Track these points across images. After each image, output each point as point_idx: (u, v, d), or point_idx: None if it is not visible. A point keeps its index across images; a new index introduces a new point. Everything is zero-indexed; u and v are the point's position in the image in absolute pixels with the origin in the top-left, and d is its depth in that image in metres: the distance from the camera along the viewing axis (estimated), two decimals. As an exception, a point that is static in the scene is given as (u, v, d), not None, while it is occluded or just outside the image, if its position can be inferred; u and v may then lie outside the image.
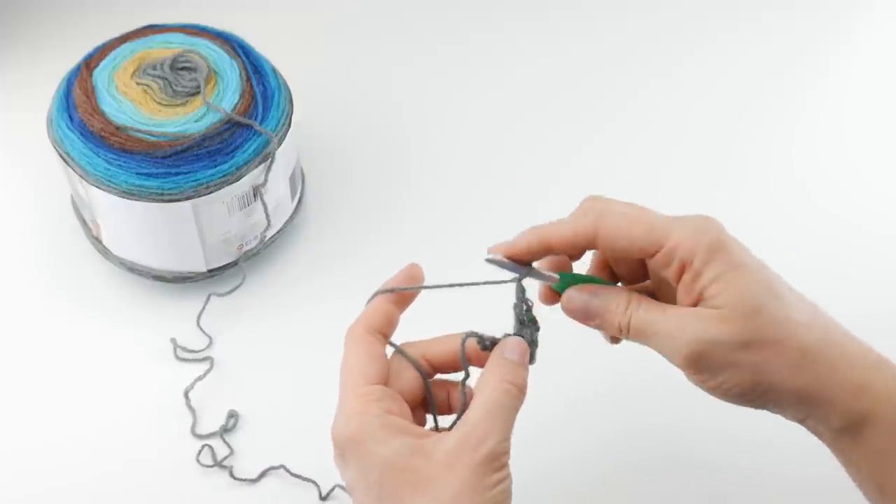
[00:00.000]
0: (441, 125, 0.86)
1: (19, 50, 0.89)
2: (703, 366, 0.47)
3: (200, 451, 0.66)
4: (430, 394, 0.52)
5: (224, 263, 0.73)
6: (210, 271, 0.73)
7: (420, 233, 0.78)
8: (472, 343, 0.51)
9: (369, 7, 0.94)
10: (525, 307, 0.52)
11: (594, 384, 0.69)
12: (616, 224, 0.49)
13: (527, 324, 0.52)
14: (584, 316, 0.51)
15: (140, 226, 0.69)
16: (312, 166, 0.81)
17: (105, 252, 0.73)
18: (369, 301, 0.53)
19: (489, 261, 0.52)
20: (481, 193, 0.81)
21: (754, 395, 0.48)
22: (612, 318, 0.50)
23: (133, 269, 0.73)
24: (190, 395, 0.68)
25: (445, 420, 0.52)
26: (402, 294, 0.52)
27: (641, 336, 0.50)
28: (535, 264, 0.52)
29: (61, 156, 0.69)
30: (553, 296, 0.53)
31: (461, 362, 0.51)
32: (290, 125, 0.71)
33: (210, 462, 0.66)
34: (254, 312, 0.73)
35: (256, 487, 0.65)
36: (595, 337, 0.55)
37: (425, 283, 0.53)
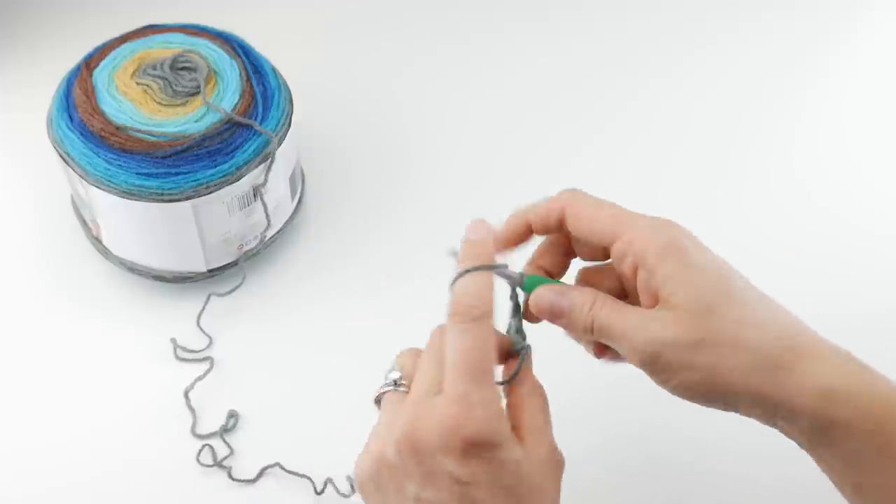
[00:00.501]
0: (441, 125, 0.86)
1: (19, 50, 0.89)
2: (659, 367, 0.48)
3: (200, 451, 0.66)
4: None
5: (224, 263, 0.73)
6: (210, 271, 0.73)
7: (420, 233, 0.78)
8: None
9: (369, 7, 0.94)
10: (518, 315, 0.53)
11: (583, 387, 0.69)
12: (582, 207, 0.51)
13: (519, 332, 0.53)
14: (552, 314, 0.51)
15: (140, 226, 0.69)
16: (312, 166, 0.81)
17: (105, 252, 0.73)
18: (459, 277, 0.50)
19: (453, 253, 0.52)
20: (481, 193, 0.81)
21: (714, 395, 0.48)
22: (577, 318, 0.50)
23: (133, 269, 0.73)
24: (190, 395, 0.68)
25: None
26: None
27: (605, 336, 0.50)
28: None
29: (61, 156, 0.69)
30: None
31: (514, 345, 0.51)
32: (290, 125, 0.71)
33: (210, 462, 0.66)
34: (254, 312, 0.73)
35: (255, 487, 0.65)
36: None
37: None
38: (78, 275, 0.75)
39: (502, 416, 0.46)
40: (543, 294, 0.52)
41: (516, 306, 0.53)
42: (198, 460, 0.66)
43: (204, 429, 0.67)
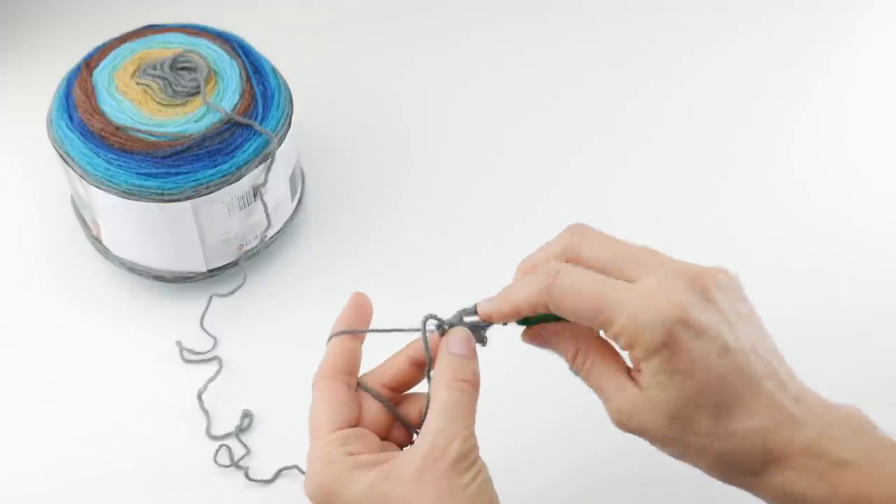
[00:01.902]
0: (441, 125, 0.86)
1: (19, 50, 0.89)
2: (630, 432, 0.50)
3: (217, 452, 0.66)
4: (400, 418, 0.52)
5: (224, 263, 0.73)
6: (210, 271, 0.73)
7: (420, 233, 0.78)
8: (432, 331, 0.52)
9: (369, 7, 0.94)
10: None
11: (588, 395, 0.69)
12: (563, 298, 0.48)
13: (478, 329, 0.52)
14: (543, 346, 0.53)
15: (140, 226, 0.69)
16: (312, 166, 0.81)
17: (105, 252, 0.73)
18: (328, 341, 0.53)
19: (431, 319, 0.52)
20: (481, 193, 0.81)
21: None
22: (566, 357, 0.52)
23: (133, 269, 0.73)
24: (201, 396, 0.68)
25: None
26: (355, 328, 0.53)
27: (587, 383, 0.51)
28: None
29: (61, 156, 0.69)
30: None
31: (424, 351, 0.51)
32: (290, 125, 0.71)
33: (227, 462, 0.66)
34: (255, 312, 0.73)
35: (272, 487, 0.65)
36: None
37: (370, 316, 0.54)
38: (78, 275, 0.75)
39: (329, 459, 0.48)
40: (531, 341, 0.52)
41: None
42: (215, 461, 0.66)
43: (217, 430, 0.67)
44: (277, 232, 0.75)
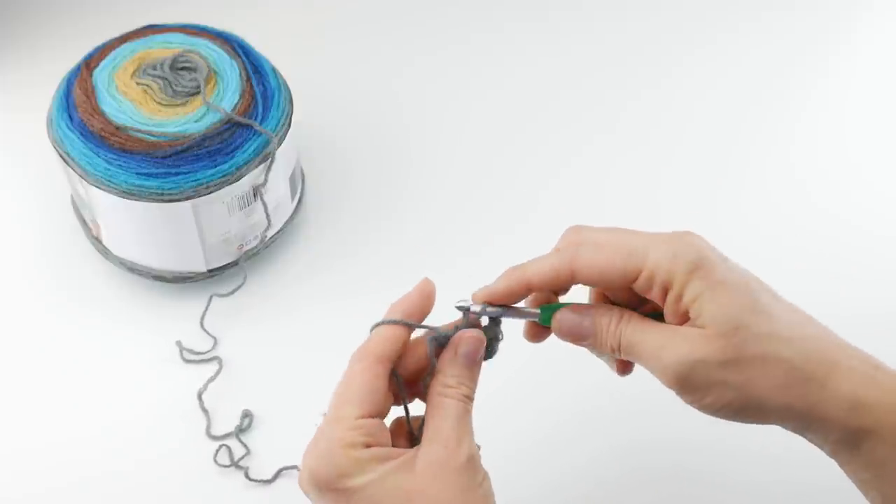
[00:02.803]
0: (441, 125, 0.86)
1: (19, 50, 0.89)
2: (690, 386, 0.47)
3: (217, 452, 0.66)
4: (408, 413, 0.52)
5: (224, 263, 0.73)
6: (210, 271, 0.73)
7: (420, 232, 0.78)
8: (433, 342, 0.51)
9: (369, 7, 0.94)
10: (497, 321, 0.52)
11: (594, 397, 0.69)
12: (592, 256, 0.49)
13: (493, 337, 0.52)
14: (576, 336, 0.51)
15: (140, 226, 0.69)
16: (312, 166, 0.81)
17: (105, 252, 0.73)
18: (376, 326, 0.51)
19: (459, 308, 0.52)
20: (481, 193, 0.81)
21: (745, 412, 0.48)
22: (603, 337, 0.50)
23: (133, 269, 0.73)
24: (201, 396, 0.68)
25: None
26: (410, 317, 0.51)
27: (633, 355, 0.50)
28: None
29: (61, 156, 0.69)
30: (537, 332, 0.53)
31: (430, 361, 0.51)
32: (290, 125, 0.71)
33: (227, 462, 0.66)
34: (255, 312, 0.73)
35: (272, 487, 0.65)
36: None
37: (431, 307, 0.52)
38: (78, 275, 0.75)
39: (347, 446, 0.47)
40: (565, 318, 0.51)
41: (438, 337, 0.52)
42: (215, 461, 0.66)
43: (217, 430, 0.67)
44: (277, 232, 0.75)
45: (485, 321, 0.52)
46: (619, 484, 0.66)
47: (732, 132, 0.86)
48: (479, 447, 0.50)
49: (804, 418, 0.47)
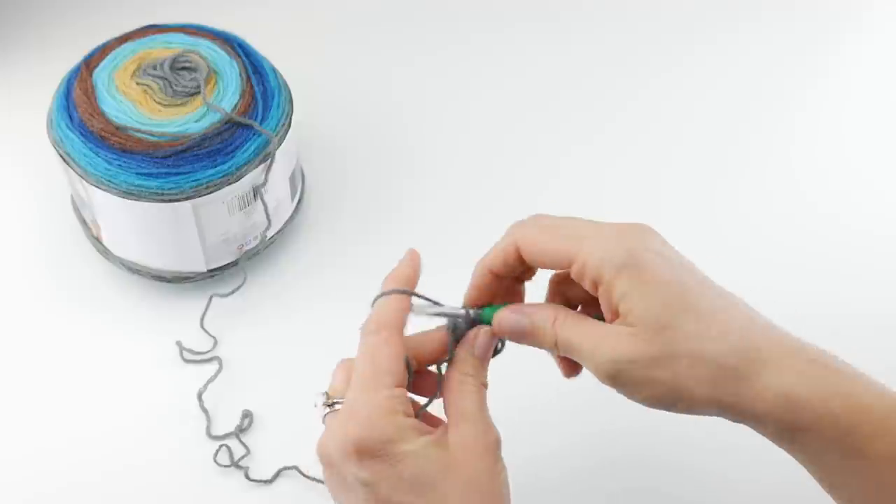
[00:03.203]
0: (441, 125, 0.86)
1: (19, 50, 0.89)
2: (621, 382, 0.48)
3: (217, 452, 0.66)
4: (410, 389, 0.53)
5: (224, 263, 0.73)
6: (210, 271, 0.73)
7: (420, 232, 0.78)
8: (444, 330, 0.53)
9: (369, 7, 0.94)
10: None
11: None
12: (531, 236, 0.51)
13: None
14: (517, 335, 0.52)
15: (140, 226, 0.69)
16: (312, 166, 0.81)
17: (105, 252, 0.73)
18: (377, 299, 0.52)
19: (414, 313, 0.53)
20: (481, 193, 0.81)
21: (678, 406, 0.48)
22: (541, 336, 0.51)
23: (133, 269, 0.73)
24: (201, 396, 0.68)
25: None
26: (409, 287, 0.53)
27: (569, 352, 0.50)
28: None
29: (61, 156, 0.69)
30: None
31: (449, 349, 0.52)
32: (290, 125, 0.71)
33: (227, 462, 0.66)
34: (255, 312, 0.73)
35: (272, 487, 0.65)
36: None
37: (419, 276, 0.54)
38: (78, 275, 0.75)
39: (390, 412, 0.48)
40: (505, 316, 0.52)
41: (459, 325, 0.53)
42: (215, 461, 0.66)
43: (217, 430, 0.67)
44: (277, 232, 0.75)
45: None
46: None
47: (732, 132, 0.86)
48: None
49: (736, 413, 0.48)
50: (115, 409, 0.69)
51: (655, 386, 0.48)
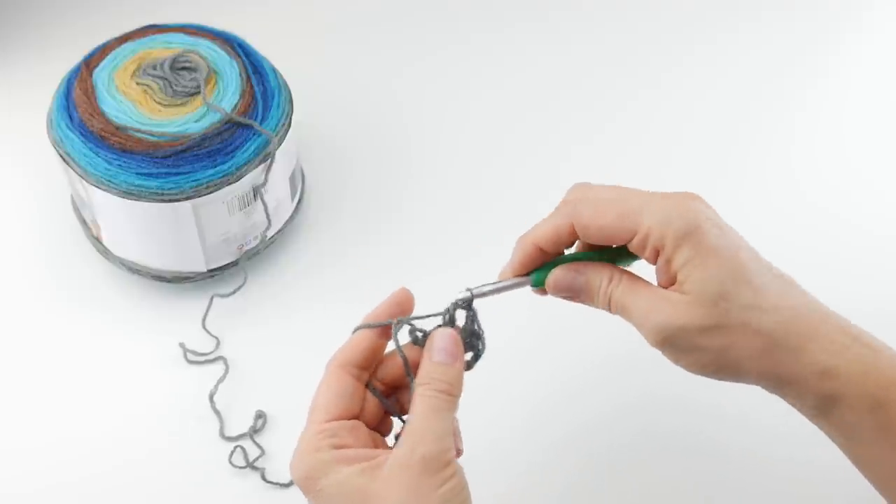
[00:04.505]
0: (441, 125, 0.86)
1: (19, 50, 0.89)
2: (672, 347, 0.50)
3: (233, 453, 0.66)
4: (392, 411, 0.53)
5: (224, 263, 0.73)
6: (210, 271, 0.73)
7: (420, 232, 0.78)
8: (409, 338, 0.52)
9: (369, 8, 0.94)
10: (474, 324, 0.53)
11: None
12: (589, 214, 0.51)
13: (472, 333, 0.52)
14: (570, 293, 0.53)
15: (140, 226, 0.69)
16: (312, 166, 0.81)
17: (105, 252, 0.73)
18: (354, 331, 0.53)
19: (461, 299, 0.52)
20: (481, 193, 0.81)
21: (723, 373, 0.50)
22: (595, 294, 0.52)
23: (133, 269, 0.73)
24: (205, 397, 0.68)
25: None
26: (387, 325, 0.52)
27: (622, 313, 0.52)
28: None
29: (61, 156, 0.69)
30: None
31: (397, 351, 0.51)
32: (290, 125, 0.71)
33: (243, 464, 0.66)
34: (256, 312, 0.73)
35: (289, 488, 0.65)
36: (582, 315, 0.56)
37: (408, 313, 0.53)
38: (78, 275, 0.75)
39: (314, 448, 0.49)
40: (559, 276, 0.53)
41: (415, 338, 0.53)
42: (230, 462, 0.66)
43: (230, 431, 0.67)
44: (277, 232, 0.75)
45: (461, 321, 0.52)
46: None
47: (732, 132, 0.86)
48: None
49: (779, 383, 0.50)
50: (116, 409, 0.69)
51: (706, 353, 0.49)
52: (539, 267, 0.53)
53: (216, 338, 0.71)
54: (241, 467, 0.66)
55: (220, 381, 0.69)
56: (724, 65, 0.91)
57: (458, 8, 0.94)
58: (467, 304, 0.52)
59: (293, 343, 0.71)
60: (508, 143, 0.84)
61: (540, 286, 0.53)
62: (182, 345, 0.71)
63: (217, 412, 0.68)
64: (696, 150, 0.85)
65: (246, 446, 0.67)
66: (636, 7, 0.95)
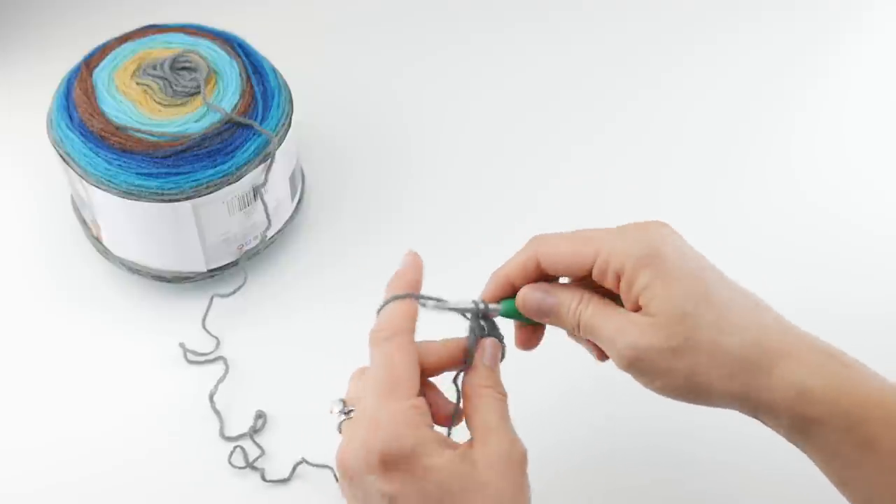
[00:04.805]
0: (441, 125, 0.86)
1: (19, 50, 0.89)
2: (640, 370, 0.49)
3: (232, 453, 0.66)
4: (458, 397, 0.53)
5: (224, 263, 0.73)
6: (210, 271, 0.73)
7: (420, 232, 0.78)
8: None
9: (369, 8, 0.94)
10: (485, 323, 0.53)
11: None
12: (552, 245, 0.52)
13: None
14: (539, 313, 0.53)
15: (140, 226, 0.69)
16: (312, 166, 0.81)
17: (105, 252, 0.73)
18: (384, 305, 0.51)
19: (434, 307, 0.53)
20: (481, 193, 0.81)
21: (694, 396, 0.49)
22: (564, 316, 0.52)
23: (133, 269, 0.73)
24: (205, 397, 0.68)
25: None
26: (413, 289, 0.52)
27: (591, 335, 0.51)
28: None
29: (61, 156, 0.69)
30: (527, 337, 0.56)
31: (468, 354, 0.52)
32: (290, 125, 0.71)
33: (242, 464, 0.66)
34: (256, 312, 0.73)
35: (288, 487, 0.65)
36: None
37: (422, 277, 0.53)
38: (78, 275, 0.75)
39: (415, 424, 0.47)
40: (529, 293, 0.53)
41: (478, 328, 0.53)
42: (230, 462, 0.66)
43: (230, 431, 0.67)
44: (277, 232, 0.75)
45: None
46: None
47: (732, 132, 0.86)
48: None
49: (751, 405, 0.49)
50: (116, 409, 0.69)
51: (673, 376, 0.48)
52: (509, 298, 0.54)
53: (216, 338, 0.71)
54: (240, 467, 0.66)
55: (220, 381, 0.69)
56: (724, 65, 0.91)
57: (458, 8, 0.94)
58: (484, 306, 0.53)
59: (293, 343, 0.71)
60: (508, 143, 0.84)
61: (508, 315, 0.54)
62: (182, 345, 0.71)
63: (217, 412, 0.68)
64: (696, 150, 0.85)
65: (246, 446, 0.67)
66: (636, 7, 0.95)
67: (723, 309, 0.48)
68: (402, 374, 0.48)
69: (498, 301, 0.54)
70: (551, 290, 0.52)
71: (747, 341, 0.48)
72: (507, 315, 0.54)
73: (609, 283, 0.50)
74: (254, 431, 0.67)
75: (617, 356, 0.50)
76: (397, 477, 0.46)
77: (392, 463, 0.46)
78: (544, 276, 0.53)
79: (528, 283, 0.53)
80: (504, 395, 0.51)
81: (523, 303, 0.53)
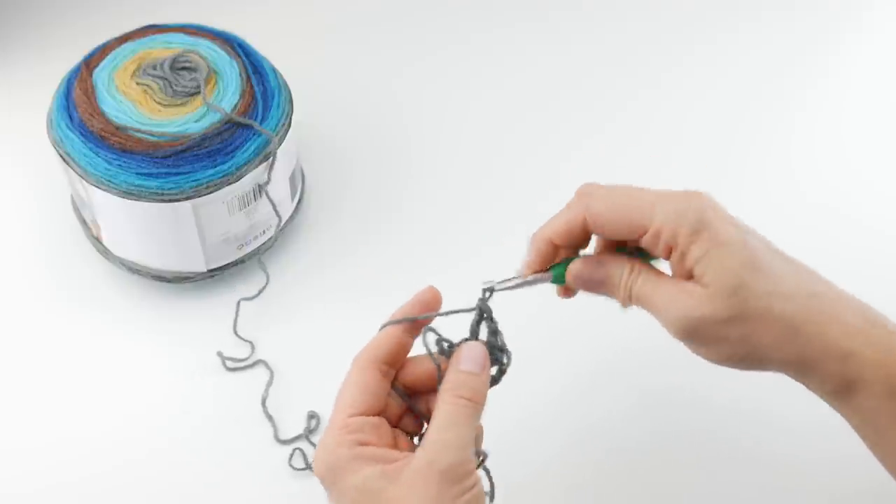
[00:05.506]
0: (441, 125, 0.86)
1: (19, 50, 0.89)
2: (695, 339, 0.50)
3: (292, 456, 0.66)
4: (419, 413, 0.53)
5: (225, 263, 0.73)
6: (210, 271, 0.73)
7: (420, 232, 0.78)
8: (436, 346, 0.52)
9: (369, 7, 0.94)
10: (494, 331, 0.52)
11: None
12: (601, 208, 0.52)
13: (496, 347, 0.52)
14: (590, 285, 0.54)
15: (140, 226, 0.69)
16: (312, 166, 0.81)
17: (105, 252, 0.73)
18: (382, 328, 0.52)
19: (485, 289, 0.53)
20: (481, 193, 0.81)
21: (747, 363, 0.51)
22: (615, 286, 0.53)
23: (133, 269, 0.73)
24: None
25: None
26: (414, 322, 0.52)
27: (642, 305, 0.52)
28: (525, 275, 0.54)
29: (61, 156, 0.69)
30: (569, 290, 0.56)
31: (428, 358, 0.51)
32: (290, 125, 0.71)
33: (302, 465, 0.65)
34: (255, 312, 0.73)
35: None
36: (594, 310, 0.57)
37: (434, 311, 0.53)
38: (78, 275, 0.75)
39: (338, 443, 0.48)
40: (579, 267, 0.53)
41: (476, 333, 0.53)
42: (290, 465, 0.65)
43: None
44: (277, 232, 0.75)
45: (484, 336, 0.52)
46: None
47: (732, 132, 0.86)
48: (483, 455, 0.50)
49: (801, 369, 0.50)
50: (115, 409, 0.69)
51: (729, 344, 0.50)
52: (557, 263, 0.54)
53: (250, 342, 0.71)
54: (300, 469, 0.65)
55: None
56: (724, 65, 0.91)
57: (458, 8, 0.94)
58: (490, 293, 0.53)
59: (293, 343, 0.71)
60: (508, 143, 0.84)
61: (559, 282, 0.54)
62: (220, 353, 0.70)
63: (269, 416, 0.68)
64: (696, 149, 0.85)
65: (301, 447, 0.66)
66: (636, 7, 0.95)
67: (774, 277, 0.50)
68: (343, 397, 0.50)
69: (546, 269, 0.54)
70: (602, 261, 0.53)
71: (798, 307, 0.49)
72: (555, 282, 0.54)
73: (659, 253, 0.51)
74: (308, 432, 0.67)
75: (671, 326, 0.50)
76: (331, 492, 0.49)
77: (324, 479, 0.49)
78: (588, 236, 0.53)
79: (572, 244, 0.53)
80: (471, 399, 0.49)
81: (574, 275, 0.53)
